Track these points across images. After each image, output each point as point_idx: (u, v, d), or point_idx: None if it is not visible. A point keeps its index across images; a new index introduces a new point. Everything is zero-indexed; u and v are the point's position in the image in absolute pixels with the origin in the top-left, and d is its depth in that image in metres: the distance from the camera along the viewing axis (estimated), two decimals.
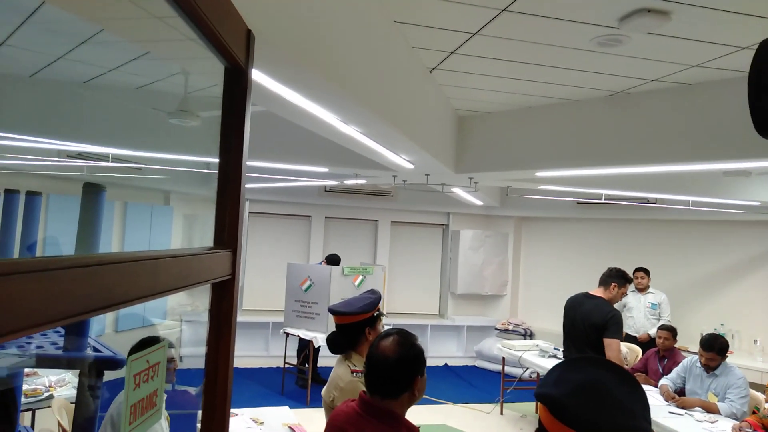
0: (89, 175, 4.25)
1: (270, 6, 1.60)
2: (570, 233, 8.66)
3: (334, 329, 2.65)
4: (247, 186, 1.08)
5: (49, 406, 3.50)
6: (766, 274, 6.87)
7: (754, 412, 4.05)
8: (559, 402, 1.23)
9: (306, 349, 6.81)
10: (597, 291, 4.26)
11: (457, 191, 6.53)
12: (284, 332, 6.88)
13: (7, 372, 1.43)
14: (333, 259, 7.31)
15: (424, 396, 1.93)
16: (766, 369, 6.18)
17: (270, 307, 8.29)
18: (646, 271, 6.55)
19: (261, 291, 8.43)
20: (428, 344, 8.52)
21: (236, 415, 3.51)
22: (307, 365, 6.74)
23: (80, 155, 3.83)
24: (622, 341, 4.17)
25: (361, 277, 6.92)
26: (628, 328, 6.32)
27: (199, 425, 0.99)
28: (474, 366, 8.76)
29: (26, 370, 3.05)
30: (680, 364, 4.74)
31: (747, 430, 3.75)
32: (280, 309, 7.35)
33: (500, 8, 2.50)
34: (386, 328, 2.32)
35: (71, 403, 3.34)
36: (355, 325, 2.56)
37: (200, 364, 1.01)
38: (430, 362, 2.24)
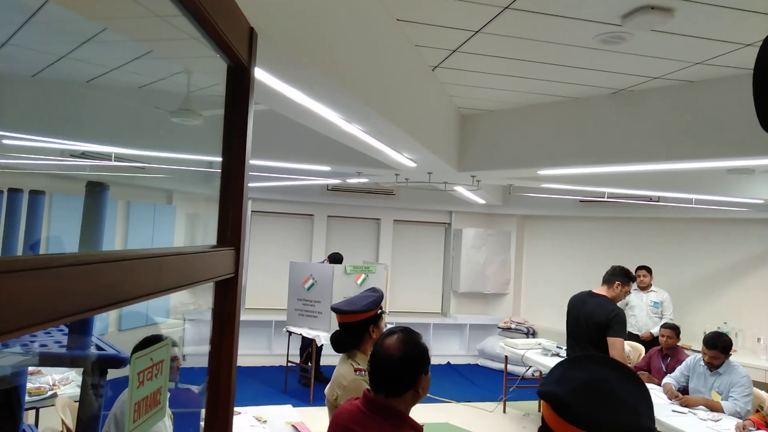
0: (92, 174, 4.26)
1: (272, 4, 1.60)
2: (572, 231, 8.64)
3: (338, 328, 2.65)
4: (249, 185, 1.08)
5: (53, 405, 3.51)
6: None
7: (757, 411, 4.04)
8: (563, 400, 1.23)
9: (309, 347, 6.81)
10: (600, 289, 4.25)
11: (460, 190, 6.53)
12: (287, 331, 6.89)
13: (11, 370, 1.43)
14: (335, 258, 7.31)
15: (427, 394, 1.92)
16: None
17: (273, 305, 8.30)
18: (649, 270, 6.53)
19: (264, 290, 8.44)
20: (431, 343, 8.51)
21: (239, 413, 3.52)
22: (309, 364, 6.74)
23: (83, 154, 3.83)
24: (625, 340, 4.17)
25: (363, 276, 6.92)
26: (630, 327, 6.31)
27: (202, 424, 0.99)
28: (477, 364, 8.76)
29: (30, 368, 3.06)
30: (683, 363, 4.73)
31: (750, 428, 3.74)
32: (282, 308, 7.36)
33: (503, 6, 2.49)
34: (389, 326, 2.32)
35: (75, 401, 3.35)
36: (360, 323, 2.56)
37: (203, 362, 1.01)
38: (432, 361, 2.23)
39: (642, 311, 6.46)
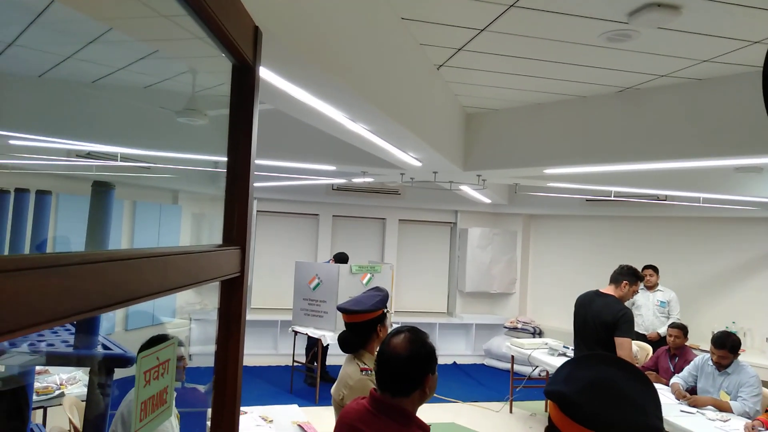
0: (98, 175, 4.28)
1: (277, 3, 1.60)
2: (579, 231, 8.61)
3: (344, 328, 2.65)
4: (255, 185, 1.08)
5: (61, 404, 3.53)
6: None
7: (766, 411, 4.01)
8: (570, 399, 1.22)
9: (314, 347, 6.81)
10: (608, 289, 4.23)
11: (465, 189, 6.52)
12: (293, 330, 6.90)
13: (19, 370, 1.44)
14: (341, 258, 7.31)
15: (434, 394, 1.92)
16: None
17: (278, 305, 8.31)
18: (655, 269, 6.49)
19: (269, 289, 8.45)
20: (437, 343, 8.48)
21: (246, 413, 3.52)
22: (315, 363, 6.75)
23: (89, 155, 3.85)
24: (633, 340, 4.14)
25: (369, 276, 6.92)
26: (637, 327, 6.27)
27: (209, 423, 0.99)
28: (483, 364, 8.74)
29: (38, 368, 3.07)
30: (692, 363, 4.70)
31: (760, 428, 3.71)
32: (288, 307, 7.36)
33: (508, 4, 2.48)
34: (395, 326, 2.31)
35: (82, 401, 3.36)
36: (367, 323, 2.55)
37: (209, 362, 1.01)
38: (438, 361, 2.22)
39: (649, 311, 6.42)
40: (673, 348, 5.18)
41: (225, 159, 1.04)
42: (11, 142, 3.29)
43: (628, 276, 4.18)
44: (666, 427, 3.95)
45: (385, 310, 2.62)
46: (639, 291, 6.16)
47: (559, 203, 8.00)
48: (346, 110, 2.74)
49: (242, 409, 3.34)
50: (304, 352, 7.26)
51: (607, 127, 3.90)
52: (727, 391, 4.28)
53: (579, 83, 3.67)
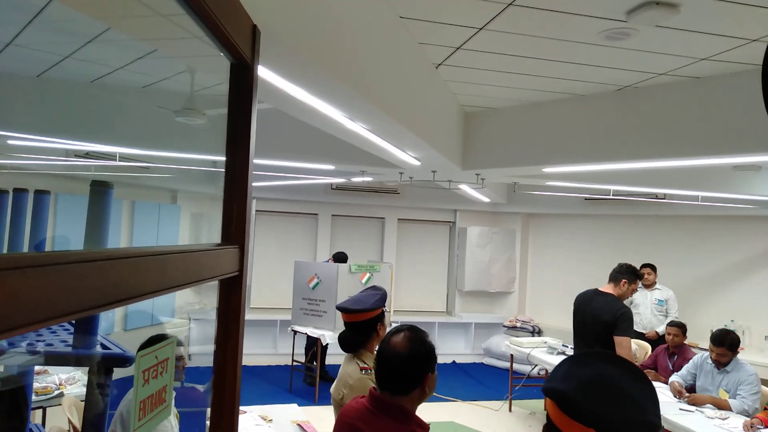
0: (97, 174, 4.27)
1: (275, 2, 1.60)
2: (578, 229, 8.62)
3: (343, 328, 2.64)
4: (253, 184, 1.08)
5: (60, 404, 3.53)
6: None
7: (765, 409, 4.02)
8: (568, 397, 1.22)
9: (314, 346, 6.81)
10: (607, 287, 4.23)
11: (464, 188, 6.52)
12: (292, 330, 6.90)
13: (18, 370, 1.44)
14: (340, 257, 7.31)
15: (433, 393, 1.92)
16: None
17: (277, 305, 8.31)
18: (653, 267, 6.50)
19: (268, 289, 8.45)
20: (436, 342, 8.40)
21: (245, 412, 3.52)
22: (315, 363, 6.75)
23: (88, 154, 3.85)
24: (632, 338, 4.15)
25: (368, 275, 6.92)
26: (635, 325, 6.26)
27: (208, 423, 0.99)
28: (482, 363, 8.75)
29: (37, 368, 3.07)
30: (690, 361, 4.71)
31: (758, 426, 3.71)
32: (287, 307, 7.36)
33: (507, 2, 2.48)
34: (393, 325, 2.31)
35: (81, 401, 3.36)
36: (367, 321, 2.55)
37: (209, 362, 1.01)
38: (438, 359, 2.23)
39: (647, 309, 6.43)
40: (671, 346, 5.19)
41: (223, 158, 1.04)
42: (10, 142, 3.29)
43: (627, 274, 4.19)
44: (665, 425, 3.95)
45: (384, 309, 2.62)
46: (638, 290, 6.19)
47: (558, 202, 8.00)
48: (345, 109, 2.74)
49: (241, 408, 3.34)
50: (303, 351, 7.25)
51: (605, 126, 3.90)
52: (726, 389, 4.28)
53: (578, 82, 3.67)
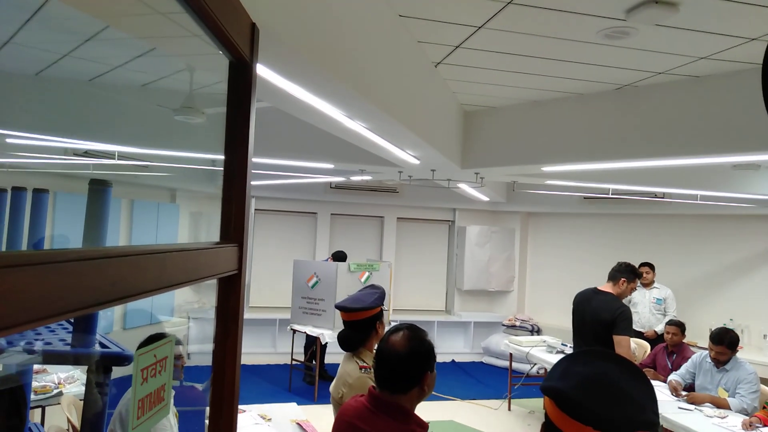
0: (96, 173, 4.27)
1: (274, 0, 1.59)
2: (577, 228, 8.62)
3: (342, 327, 2.64)
4: (252, 183, 1.07)
5: (59, 403, 3.53)
6: None
7: (764, 407, 4.02)
8: (566, 395, 1.22)
9: (313, 345, 6.82)
10: (606, 286, 4.23)
11: (463, 187, 6.51)
12: (291, 329, 6.90)
13: (17, 369, 1.43)
14: (339, 256, 7.31)
15: (432, 392, 1.92)
16: None
17: (277, 304, 8.31)
18: (651, 266, 6.51)
19: (267, 288, 8.45)
20: (435, 340, 8.41)
21: (244, 411, 3.52)
22: (314, 362, 6.75)
23: (87, 153, 3.84)
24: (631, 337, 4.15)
25: (367, 274, 6.92)
26: (633, 324, 6.28)
27: (207, 421, 0.99)
28: (481, 362, 8.75)
29: (35, 367, 3.07)
30: (689, 360, 4.71)
31: (757, 425, 3.72)
32: (286, 306, 7.36)
33: (506, 1, 2.48)
34: (392, 324, 2.31)
35: (80, 400, 3.36)
36: (367, 320, 2.56)
37: (208, 361, 1.00)
38: (437, 358, 2.23)
39: (645, 308, 6.44)
40: (670, 345, 5.19)
41: (222, 157, 1.04)
42: (8, 140, 3.28)
43: (626, 273, 4.19)
44: (664, 424, 3.95)
45: (383, 308, 2.62)
46: (636, 288, 6.19)
47: (557, 201, 8.00)
48: (344, 108, 2.74)
49: (241, 407, 3.35)
50: (302, 350, 7.26)
51: (604, 125, 3.90)
52: (726, 387, 4.29)
53: (577, 81, 3.67)
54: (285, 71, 2.07)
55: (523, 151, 4.42)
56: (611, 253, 6.91)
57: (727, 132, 3.28)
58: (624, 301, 4.20)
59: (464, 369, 8.33)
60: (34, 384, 3.58)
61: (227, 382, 0.99)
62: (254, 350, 7.98)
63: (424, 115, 3.50)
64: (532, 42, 2.97)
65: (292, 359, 7.09)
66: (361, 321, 2.56)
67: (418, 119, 3.34)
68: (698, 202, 6.01)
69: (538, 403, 6.58)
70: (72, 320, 1.40)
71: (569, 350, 5.59)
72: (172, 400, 2.23)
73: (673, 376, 4.70)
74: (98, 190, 1.31)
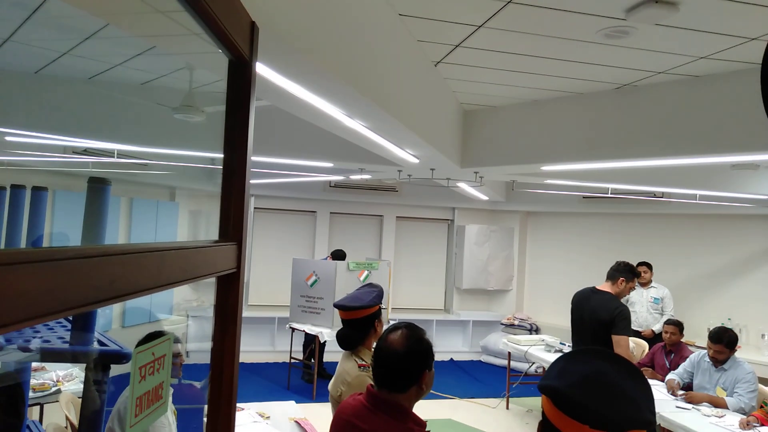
0: (95, 171, 4.27)
1: None
2: (576, 228, 8.63)
3: (341, 326, 2.65)
4: (252, 181, 1.08)
5: (57, 401, 3.53)
6: None
7: (761, 407, 4.03)
8: (563, 393, 1.22)
9: (312, 344, 6.82)
10: (604, 286, 4.23)
11: (463, 186, 6.52)
12: (290, 327, 6.90)
13: (15, 366, 1.43)
14: (338, 255, 7.31)
15: (431, 391, 1.92)
16: None
17: (275, 302, 8.31)
18: (649, 266, 6.51)
19: (266, 286, 8.45)
20: (434, 339, 8.46)
21: (242, 409, 3.52)
22: (313, 360, 6.75)
23: (86, 151, 3.84)
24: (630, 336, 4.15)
25: (366, 273, 6.92)
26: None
27: (205, 419, 0.99)
28: (480, 361, 8.76)
29: (34, 365, 3.07)
30: (687, 359, 4.72)
31: (754, 424, 3.73)
32: (285, 304, 7.36)
33: (506, 0, 2.48)
34: (391, 322, 2.31)
35: (79, 397, 3.36)
36: (365, 318, 2.56)
37: (207, 359, 1.00)
38: (435, 357, 2.23)
39: (642, 307, 6.44)
40: (668, 344, 5.20)
41: (222, 155, 1.04)
42: (7, 138, 3.28)
43: (625, 273, 4.19)
44: (662, 423, 3.96)
45: (381, 306, 2.63)
46: (635, 288, 6.19)
47: (556, 200, 8.01)
48: (344, 107, 2.74)
49: (239, 405, 3.35)
50: (301, 348, 7.26)
51: (604, 124, 3.90)
52: (724, 387, 4.30)
53: (576, 80, 3.67)
54: (285, 70, 2.07)
55: (522, 151, 4.42)
56: (610, 253, 6.92)
57: (727, 132, 3.28)
58: (622, 300, 4.20)
59: (463, 368, 8.34)
60: (33, 381, 3.58)
61: (225, 380, 0.99)
62: (253, 348, 7.98)
63: (423, 114, 3.50)
64: (532, 41, 2.97)
65: (291, 357, 7.09)
66: (359, 319, 2.56)
67: (417, 118, 3.34)
68: (697, 201, 6.01)
69: (536, 402, 6.59)
70: (70, 318, 1.40)
71: (568, 349, 5.59)
72: (170, 398, 2.24)
73: (671, 376, 4.70)
74: (97, 188, 1.31)
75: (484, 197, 8.09)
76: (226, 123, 1.04)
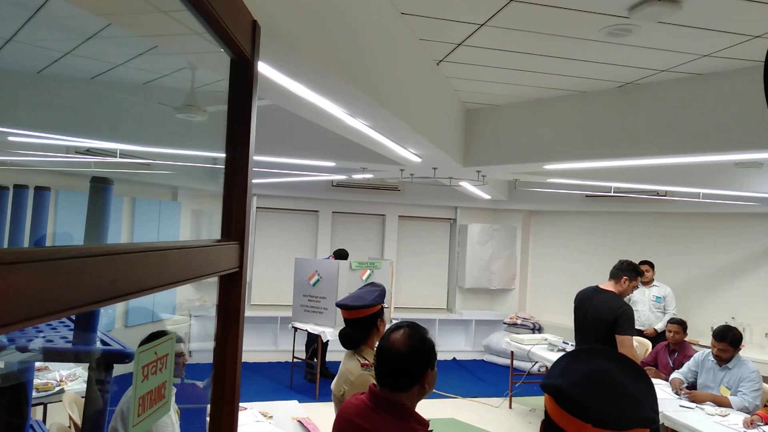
0: (97, 171, 4.27)
1: None
2: (578, 226, 8.62)
3: (344, 325, 2.64)
4: (254, 181, 1.08)
5: (61, 401, 3.54)
6: None
7: (765, 406, 4.02)
8: (566, 392, 1.22)
9: (314, 343, 6.82)
10: (607, 285, 4.23)
11: (465, 185, 6.51)
12: (292, 327, 6.91)
13: (18, 366, 1.44)
14: (341, 254, 7.32)
15: (433, 390, 1.92)
16: None
17: (278, 302, 8.32)
18: (651, 264, 6.50)
19: (269, 286, 8.46)
20: (436, 338, 8.48)
21: (245, 409, 3.52)
22: (315, 359, 6.76)
23: (88, 151, 3.85)
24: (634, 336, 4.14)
25: (368, 272, 6.92)
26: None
27: (208, 419, 0.99)
28: (482, 360, 8.76)
29: (37, 364, 3.08)
30: (692, 358, 4.71)
31: (758, 423, 3.72)
32: (288, 304, 7.37)
33: None
34: (394, 322, 2.31)
35: (82, 397, 3.37)
36: (368, 318, 2.56)
37: (209, 358, 1.00)
38: (438, 356, 2.24)
39: (644, 306, 6.43)
40: (672, 343, 5.19)
41: (224, 155, 1.04)
42: (10, 138, 3.29)
43: (628, 271, 4.18)
44: (665, 422, 3.95)
45: (384, 305, 2.63)
46: (638, 287, 6.18)
47: (559, 199, 8.00)
48: (346, 106, 2.73)
49: (242, 404, 3.35)
50: (303, 348, 7.27)
51: (607, 123, 3.89)
52: (728, 386, 4.29)
53: (579, 78, 3.66)
54: (286, 69, 2.07)
55: (525, 149, 4.41)
56: (613, 252, 6.90)
57: (730, 130, 3.27)
58: (624, 299, 4.19)
59: (465, 367, 8.34)
60: (36, 381, 3.59)
61: (228, 379, 0.99)
62: (256, 348, 7.99)
63: (426, 113, 3.50)
64: (535, 40, 2.96)
65: (294, 357, 7.10)
66: (362, 319, 2.56)
67: (420, 117, 3.34)
68: (700, 200, 6.00)
69: (539, 401, 6.58)
70: (73, 317, 1.40)
71: (571, 348, 5.58)
72: (173, 398, 2.24)
73: (675, 375, 4.69)
74: (100, 188, 1.32)
75: (487, 196, 8.09)
76: (228, 122, 1.04)
